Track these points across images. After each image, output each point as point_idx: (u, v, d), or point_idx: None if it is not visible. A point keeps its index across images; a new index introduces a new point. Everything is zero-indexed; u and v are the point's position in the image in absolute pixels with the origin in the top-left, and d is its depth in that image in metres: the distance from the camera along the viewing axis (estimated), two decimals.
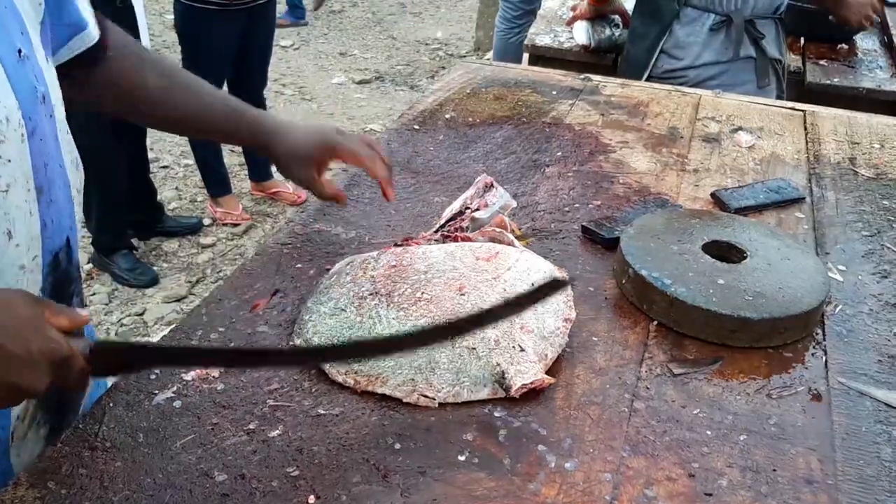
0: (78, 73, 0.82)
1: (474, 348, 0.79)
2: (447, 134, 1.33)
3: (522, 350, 0.80)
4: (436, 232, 1.02)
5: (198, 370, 0.80)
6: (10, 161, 0.64)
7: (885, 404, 0.81)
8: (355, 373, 0.79)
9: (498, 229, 0.99)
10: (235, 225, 3.12)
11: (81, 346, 0.64)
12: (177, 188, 3.40)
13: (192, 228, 3.08)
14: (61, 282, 0.74)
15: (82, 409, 0.80)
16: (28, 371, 0.59)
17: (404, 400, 0.77)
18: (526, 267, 0.89)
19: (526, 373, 0.78)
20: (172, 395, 0.77)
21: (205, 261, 2.92)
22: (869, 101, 1.95)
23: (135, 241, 2.90)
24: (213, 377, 0.80)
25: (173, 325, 0.88)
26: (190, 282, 2.78)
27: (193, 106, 0.94)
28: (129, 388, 0.78)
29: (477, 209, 1.09)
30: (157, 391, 0.78)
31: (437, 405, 0.77)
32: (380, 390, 0.78)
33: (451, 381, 0.78)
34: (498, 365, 0.78)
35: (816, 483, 0.72)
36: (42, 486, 0.67)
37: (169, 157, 3.62)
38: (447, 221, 1.09)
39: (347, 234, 1.04)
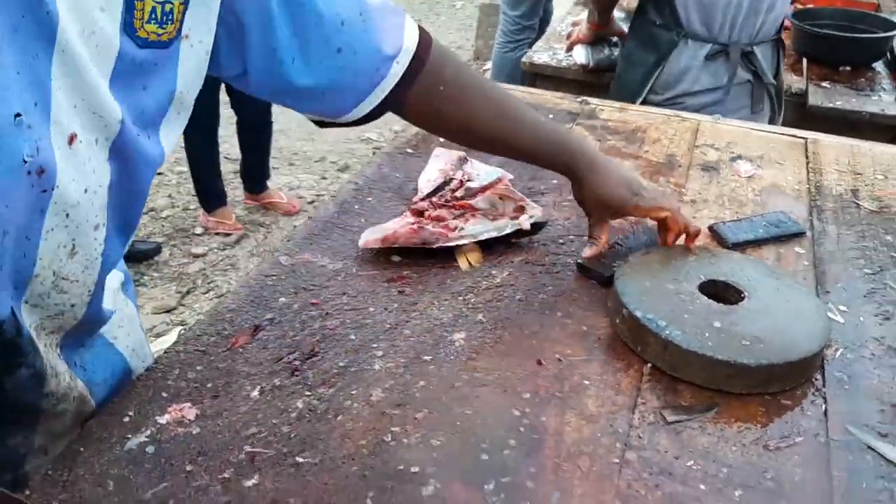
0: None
1: None
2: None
3: None
4: (423, 200, 1.11)
5: (174, 411, 0.77)
6: None
7: (887, 460, 0.78)
8: None
9: (504, 185, 1.04)
10: (227, 235, 3.09)
11: None
12: (170, 196, 3.37)
13: (149, 255, 2.95)
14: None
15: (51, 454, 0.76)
16: None
17: None
18: None
19: None
20: (146, 439, 0.74)
21: (196, 271, 2.88)
22: (872, 126, 1.93)
23: None
24: (189, 420, 0.77)
25: (148, 365, 0.85)
26: (180, 292, 2.75)
27: (524, 141, 0.96)
28: (101, 431, 0.74)
29: (467, 180, 1.10)
30: (129, 435, 0.74)
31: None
32: None
33: None
34: None
35: None
36: None
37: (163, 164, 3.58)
38: (434, 192, 1.10)
39: (334, 265, 1.01)
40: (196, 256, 2.97)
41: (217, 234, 3.09)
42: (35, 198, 0.62)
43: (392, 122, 3.87)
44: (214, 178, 3.11)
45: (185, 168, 3.23)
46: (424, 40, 0.89)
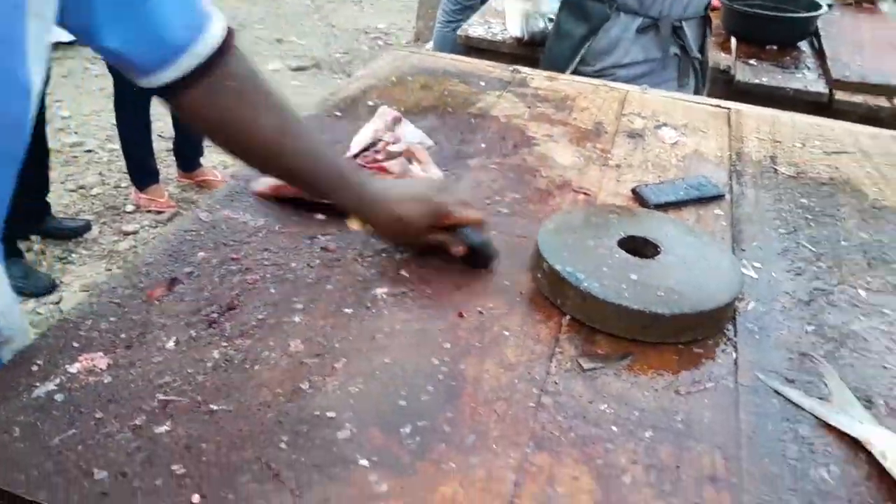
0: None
1: None
2: (369, 121, 1.30)
3: None
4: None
5: (85, 360, 0.75)
6: None
7: (793, 403, 0.81)
8: None
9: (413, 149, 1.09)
10: (160, 212, 3.03)
11: None
12: (100, 173, 3.29)
13: (78, 232, 2.86)
14: None
15: None
16: None
17: None
18: None
19: None
20: (55, 387, 0.73)
21: (126, 248, 2.82)
22: (795, 102, 1.97)
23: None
24: (101, 369, 0.75)
25: (61, 317, 0.83)
26: (109, 269, 2.69)
27: (304, 165, 0.90)
28: (8, 380, 0.73)
29: (393, 142, 1.10)
30: (38, 383, 0.73)
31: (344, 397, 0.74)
32: None
33: None
34: None
35: (721, 481, 0.71)
36: None
37: (93, 140, 3.49)
38: (361, 151, 1.10)
39: (256, 222, 1.00)
40: (127, 234, 2.91)
41: (149, 211, 3.03)
42: None
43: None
44: (146, 155, 3.05)
45: (117, 145, 3.15)
46: (230, 34, 0.84)
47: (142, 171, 3.04)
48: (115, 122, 2.97)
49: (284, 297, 0.88)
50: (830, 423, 0.78)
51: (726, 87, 2.07)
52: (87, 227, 2.88)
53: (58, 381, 0.73)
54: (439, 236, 0.95)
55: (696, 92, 1.92)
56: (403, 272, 0.94)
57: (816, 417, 0.79)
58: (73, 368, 0.75)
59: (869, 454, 0.75)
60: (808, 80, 2.10)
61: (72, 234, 2.83)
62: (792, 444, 0.76)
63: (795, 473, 0.73)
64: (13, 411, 0.70)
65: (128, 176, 3.10)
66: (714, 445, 0.75)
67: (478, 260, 0.96)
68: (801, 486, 0.71)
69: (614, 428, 0.75)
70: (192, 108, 0.85)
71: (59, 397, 0.71)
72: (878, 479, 0.73)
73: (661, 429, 0.76)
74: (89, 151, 3.41)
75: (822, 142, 1.39)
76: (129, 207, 3.05)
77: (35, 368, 0.74)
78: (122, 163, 3.15)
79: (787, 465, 0.73)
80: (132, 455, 0.67)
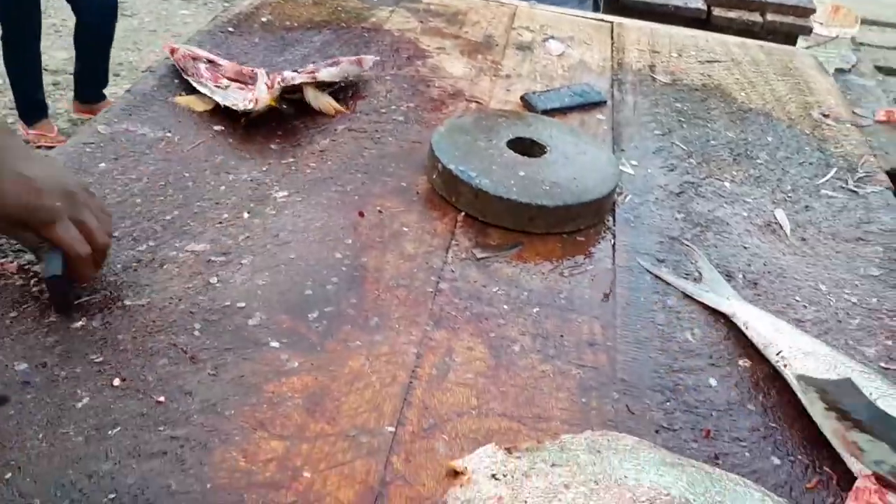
0: None
1: None
2: (263, 37, 1.31)
3: None
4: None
5: None
6: None
7: (661, 279, 0.90)
8: None
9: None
10: (50, 147, 2.92)
11: None
12: None
13: None
14: None
15: None
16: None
17: None
18: None
19: None
20: None
21: None
22: (676, 18, 2.07)
23: None
24: (11, 273, 0.77)
25: None
26: None
27: None
28: None
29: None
30: None
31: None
32: None
33: None
34: None
35: (598, 345, 0.79)
36: None
37: None
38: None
39: (155, 134, 1.02)
40: None
41: (38, 146, 2.92)
42: None
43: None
44: (35, 88, 2.92)
45: (2, 80, 3.01)
46: None
47: (31, 106, 2.92)
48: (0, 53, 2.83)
49: (187, 201, 0.91)
50: (702, 300, 0.88)
51: (614, 5, 2.14)
52: None
53: None
54: (34, 236, 0.72)
55: (595, 10, 1.98)
56: (303, 177, 0.98)
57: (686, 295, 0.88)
58: None
59: (730, 321, 0.85)
60: None
61: None
62: (661, 312, 0.85)
63: (663, 336, 0.82)
64: None
65: (14, 112, 2.97)
66: (593, 317, 0.83)
67: (52, 295, 0.74)
68: (668, 347, 0.81)
69: (505, 307, 0.83)
70: None
71: None
72: (734, 339, 0.83)
73: (547, 305, 0.84)
74: None
75: (697, 52, 1.48)
76: None
77: None
78: (7, 97, 3.01)
79: (656, 330, 0.83)
80: (50, 349, 0.70)
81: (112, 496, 0.58)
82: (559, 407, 0.72)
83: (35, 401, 0.65)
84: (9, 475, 0.59)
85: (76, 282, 0.74)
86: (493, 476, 0.62)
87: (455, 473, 0.63)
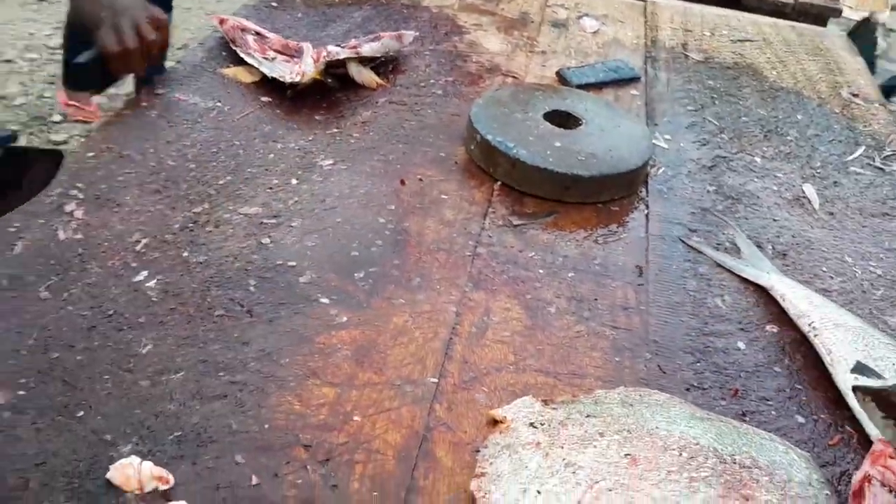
0: None
1: None
2: (305, 12, 1.35)
3: None
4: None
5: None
6: None
7: (692, 248, 0.93)
8: None
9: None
10: (88, 122, 2.99)
11: None
12: (22, 84, 3.20)
13: (3, 142, 2.84)
14: None
15: None
16: None
17: None
18: None
19: None
20: (30, 242, 0.79)
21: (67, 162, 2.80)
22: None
23: None
24: (75, 224, 0.82)
25: None
26: None
27: None
28: None
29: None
30: (16, 242, 0.79)
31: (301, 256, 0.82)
32: None
33: None
34: None
35: (631, 308, 0.83)
36: None
37: (12, 50, 3.38)
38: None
39: (206, 104, 1.06)
40: (56, 144, 2.87)
41: (77, 120, 2.99)
42: None
43: None
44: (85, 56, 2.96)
45: (36, 55, 3.08)
46: None
47: (77, 73, 2.97)
48: (32, 31, 2.88)
49: (237, 168, 0.95)
50: (741, 274, 0.90)
51: None
52: (13, 136, 2.84)
53: (35, 236, 0.80)
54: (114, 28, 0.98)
55: None
56: (347, 147, 1.02)
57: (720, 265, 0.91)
58: (52, 228, 0.81)
59: (759, 290, 0.88)
60: None
61: None
62: (692, 279, 0.89)
63: (695, 301, 0.85)
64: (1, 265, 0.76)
65: (51, 86, 3.04)
66: (626, 282, 0.86)
67: (77, 79, 1.03)
68: (699, 312, 0.84)
69: (541, 271, 0.86)
70: None
71: (36, 252, 0.78)
72: (763, 307, 0.86)
73: (582, 270, 0.87)
74: (8, 62, 3.31)
75: (729, 31, 1.50)
76: (56, 117, 3.00)
77: (12, 230, 0.80)
78: (44, 72, 3.08)
79: (687, 296, 0.86)
80: (115, 299, 0.74)
81: (178, 433, 0.63)
82: (593, 365, 0.75)
83: (101, 347, 0.70)
84: (80, 413, 0.64)
85: (115, 74, 1.01)
86: (531, 424, 0.66)
87: (495, 422, 0.67)
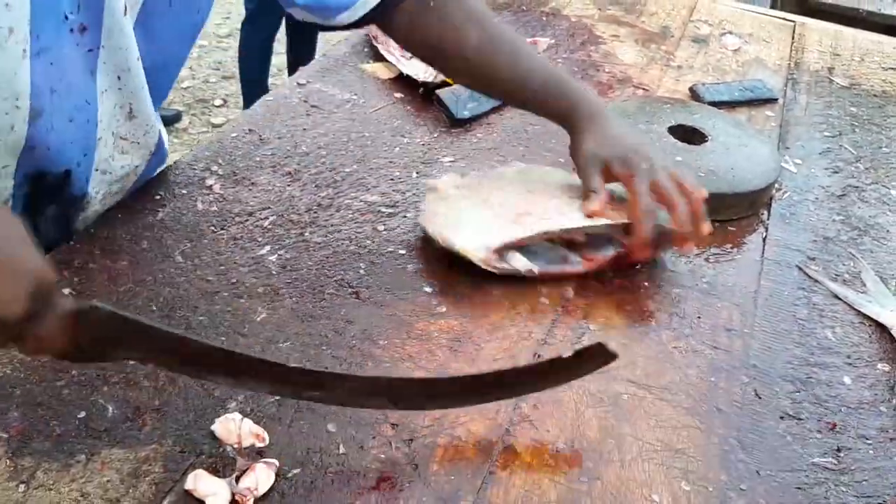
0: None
1: None
2: None
3: None
4: None
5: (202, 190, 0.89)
6: None
7: (809, 276, 0.91)
8: None
9: None
10: None
11: (66, 303, 0.52)
12: (190, 68, 3.45)
13: (169, 121, 2.96)
14: (43, 196, 0.78)
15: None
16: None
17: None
18: None
19: None
20: (170, 210, 0.87)
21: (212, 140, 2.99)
22: (867, 24, 1.98)
23: None
24: (212, 198, 0.89)
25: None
26: None
27: (520, 75, 0.88)
28: (135, 204, 0.87)
29: None
30: (159, 209, 0.87)
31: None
32: None
33: None
34: None
35: (734, 330, 0.82)
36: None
37: None
38: None
39: (343, 95, 1.12)
40: (215, 126, 3.07)
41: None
42: (80, 57, 0.71)
43: None
44: (263, 80, 3.07)
45: (205, 42, 3.30)
46: None
47: (256, 93, 3.10)
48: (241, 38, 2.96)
49: (364, 158, 1.00)
50: (862, 309, 0.87)
51: (801, 6, 2.08)
52: (178, 117, 3.07)
53: (179, 204, 0.88)
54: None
55: (772, 6, 1.94)
56: (466, 145, 1.05)
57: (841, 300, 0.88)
58: (192, 199, 0.89)
59: (874, 325, 0.85)
60: (883, 2, 2.09)
61: (164, 123, 2.99)
62: (804, 308, 0.86)
63: (803, 331, 0.83)
64: (141, 227, 0.84)
65: (216, 72, 3.25)
66: (733, 303, 0.85)
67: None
68: (806, 341, 0.82)
69: (646, 283, 0.86)
70: (396, 34, 0.91)
71: (175, 219, 0.86)
72: (878, 344, 0.83)
73: (688, 287, 0.87)
74: None
75: (881, 58, 1.43)
76: (217, 101, 3.21)
77: (157, 197, 0.89)
78: (210, 58, 3.31)
79: (796, 324, 0.84)
80: (239, 269, 0.81)
81: (278, 398, 0.68)
82: (686, 382, 0.75)
83: (222, 311, 0.76)
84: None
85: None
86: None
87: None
